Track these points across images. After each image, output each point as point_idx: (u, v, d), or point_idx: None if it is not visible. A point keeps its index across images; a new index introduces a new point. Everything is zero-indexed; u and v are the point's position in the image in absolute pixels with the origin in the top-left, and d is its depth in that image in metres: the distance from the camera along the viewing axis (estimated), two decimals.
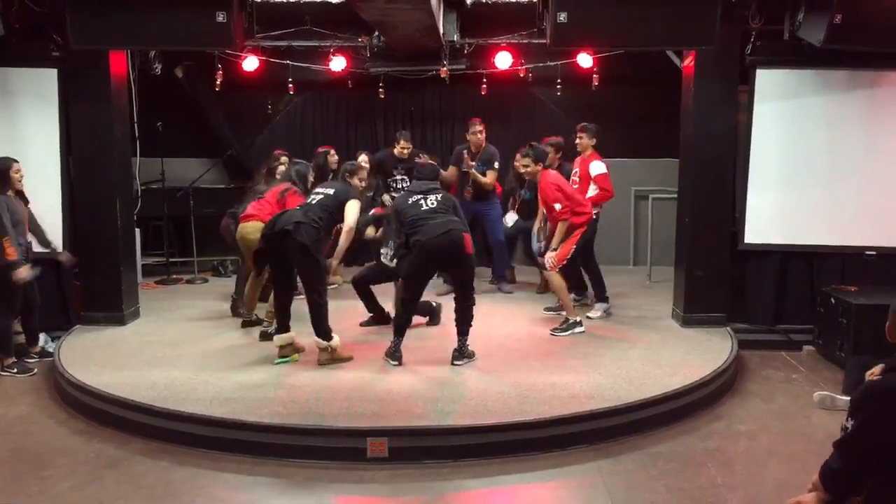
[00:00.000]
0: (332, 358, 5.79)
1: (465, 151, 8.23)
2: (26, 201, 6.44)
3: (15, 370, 6.22)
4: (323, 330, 5.73)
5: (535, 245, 7.96)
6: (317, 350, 5.79)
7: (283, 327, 5.85)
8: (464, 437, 4.73)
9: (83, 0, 5.73)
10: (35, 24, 6.62)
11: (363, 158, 8.15)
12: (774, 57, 6.79)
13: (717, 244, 6.94)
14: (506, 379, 5.50)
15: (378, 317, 6.92)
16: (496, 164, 8.26)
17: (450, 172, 8.32)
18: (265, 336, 6.29)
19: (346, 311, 6.96)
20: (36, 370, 6.28)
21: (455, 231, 5.70)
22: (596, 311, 7.26)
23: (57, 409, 5.58)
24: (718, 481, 4.44)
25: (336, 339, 5.79)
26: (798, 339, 7.02)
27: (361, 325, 6.93)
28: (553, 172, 6.83)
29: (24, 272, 6.12)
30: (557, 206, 6.53)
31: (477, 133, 8.23)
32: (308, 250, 5.56)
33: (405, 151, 8.44)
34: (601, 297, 7.34)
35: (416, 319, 6.45)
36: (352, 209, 5.91)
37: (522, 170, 6.91)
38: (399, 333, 5.86)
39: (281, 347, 5.83)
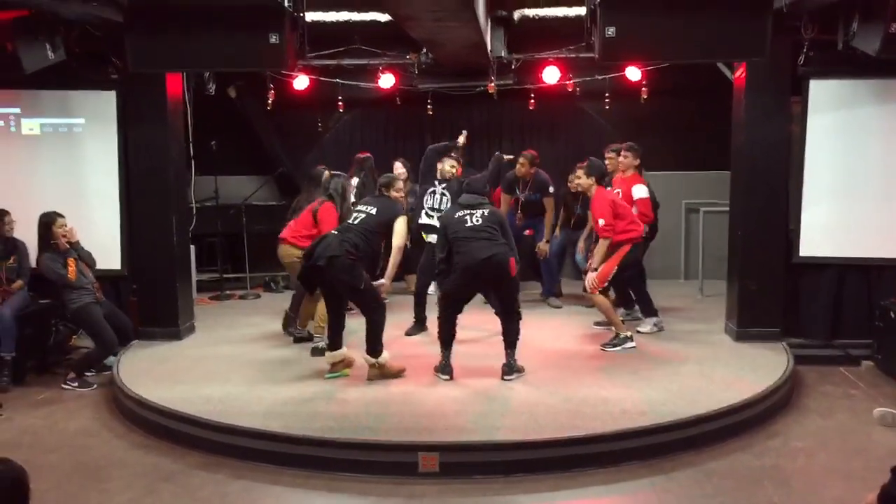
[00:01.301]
0: (381, 374, 5.82)
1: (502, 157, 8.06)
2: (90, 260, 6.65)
3: (76, 384, 6.38)
4: (374, 347, 5.77)
5: (577, 257, 7.96)
6: (366, 364, 5.83)
7: (335, 344, 5.91)
8: (515, 452, 4.73)
9: (141, 25, 5.88)
10: (95, 49, 6.83)
11: (398, 167, 8.20)
12: (828, 67, 6.67)
13: (771, 257, 6.83)
14: (556, 394, 5.48)
15: (421, 326, 7.11)
16: (551, 189, 8.20)
17: (504, 201, 8.30)
18: (316, 351, 6.36)
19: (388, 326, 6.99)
20: (96, 385, 6.43)
21: (498, 255, 5.68)
22: (645, 326, 7.19)
23: (116, 423, 5.71)
24: (775, 500, 4.36)
25: (385, 355, 5.82)
26: (856, 354, 6.86)
27: (407, 334, 7.10)
28: (610, 190, 6.85)
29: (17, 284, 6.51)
30: (601, 222, 6.53)
31: (518, 167, 8.17)
32: (347, 282, 5.62)
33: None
34: (648, 312, 7.28)
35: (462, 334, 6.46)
36: (400, 227, 5.93)
37: (575, 182, 6.93)
38: (446, 346, 5.88)
39: (333, 364, 5.89)
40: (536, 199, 8.20)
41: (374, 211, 5.95)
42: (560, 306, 8.28)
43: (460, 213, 5.91)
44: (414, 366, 6.12)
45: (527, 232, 8.20)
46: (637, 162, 7.32)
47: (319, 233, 6.24)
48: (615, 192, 7.04)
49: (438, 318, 5.94)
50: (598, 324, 7.28)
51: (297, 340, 6.84)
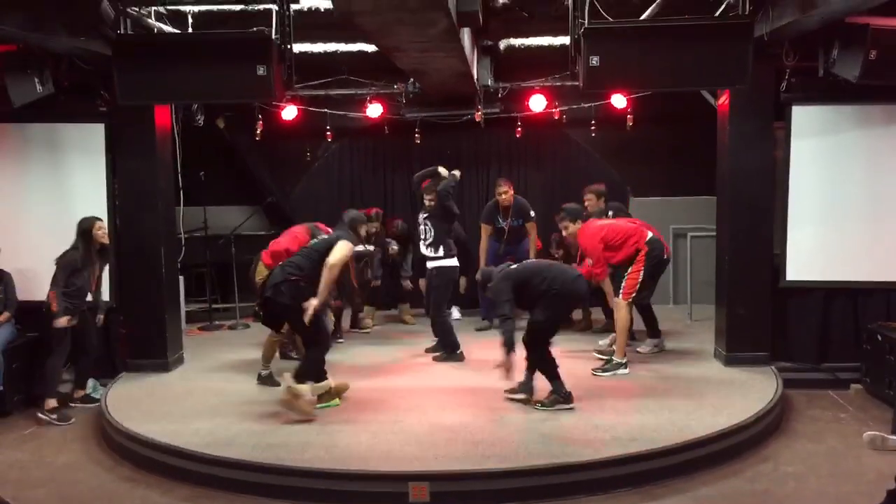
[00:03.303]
0: (291, 403, 5.60)
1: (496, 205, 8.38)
2: (107, 256, 6.67)
3: (55, 416, 6.32)
4: (302, 374, 5.66)
5: None
6: (358, 395, 5.80)
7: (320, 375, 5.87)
8: (505, 480, 4.71)
9: (129, 58, 5.91)
10: (83, 82, 6.86)
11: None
12: (810, 93, 6.77)
13: (758, 282, 6.87)
14: (547, 421, 5.47)
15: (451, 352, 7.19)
16: (532, 214, 8.34)
17: (484, 231, 8.43)
18: (261, 379, 6.50)
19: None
20: (74, 419, 6.37)
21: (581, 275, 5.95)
22: (646, 346, 7.24)
23: (104, 456, 5.66)
24: None
25: (305, 389, 5.60)
26: (845, 378, 6.89)
27: (427, 350, 7.37)
28: (592, 224, 6.96)
29: (63, 322, 6.30)
30: (589, 262, 6.71)
31: (502, 194, 8.28)
32: (288, 308, 5.61)
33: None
34: (654, 333, 7.36)
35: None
36: (339, 249, 5.75)
37: (565, 233, 7.09)
38: (557, 376, 5.80)
39: (319, 396, 5.82)
40: (520, 225, 8.34)
41: (325, 237, 6.04)
42: None
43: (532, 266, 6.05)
44: (403, 394, 6.11)
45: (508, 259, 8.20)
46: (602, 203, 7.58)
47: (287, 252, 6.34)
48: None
49: (537, 356, 5.83)
50: (599, 352, 7.19)
51: (262, 381, 6.62)
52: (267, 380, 6.49)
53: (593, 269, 6.76)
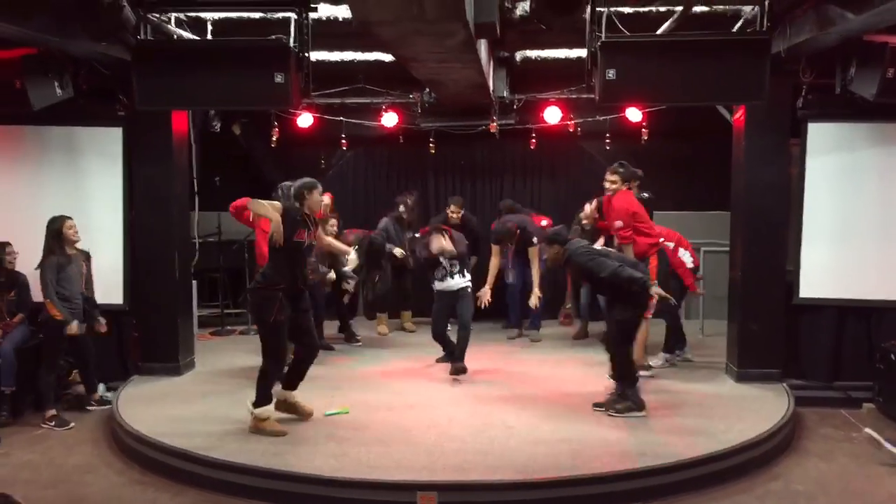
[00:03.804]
0: (255, 427, 5.52)
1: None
2: (87, 257, 6.64)
3: (53, 423, 6.31)
4: (257, 395, 5.56)
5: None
6: (367, 403, 5.81)
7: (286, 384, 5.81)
8: (514, 492, 4.71)
9: (148, 63, 5.97)
10: (102, 86, 6.92)
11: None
12: (826, 110, 6.75)
13: (771, 298, 6.84)
14: (556, 433, 5.46)
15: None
16: (535, 240, 8.03)
17: (494, 252, 8.14)
18: None
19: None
20: (73, 424, 6.36)
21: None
22: (657, 360, 7.24)
23: (114, 459, 5.68)
24: None
25: (264, 411, 5.53)
26: (857, 397, 6.83)
27: (438, 361, 7.33)
28: (632, 194, 7.00)
29: (75, 328, 6.33)
30: (618, 224, 6.70)
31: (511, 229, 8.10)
32: (253, 316, 5.55)
33: (455, 216, 8.58)
34: (668, 347, 7.38)
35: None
36: (261, 205, 5.51)
37: (607, 184, 6.98)
38: (635, 383, 5.88)
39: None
40: (522, 250, 8.21)
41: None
42: (539, 340, 8.51)
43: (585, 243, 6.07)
44: (413, 403, 6.12)
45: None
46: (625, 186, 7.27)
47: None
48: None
49: (627, 355, 5.92)
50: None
51: None
52: None
53: (620, 232, 6.73)
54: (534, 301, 7.75)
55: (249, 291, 5.61)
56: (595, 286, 6.11)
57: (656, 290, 5.67)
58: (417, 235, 8.25)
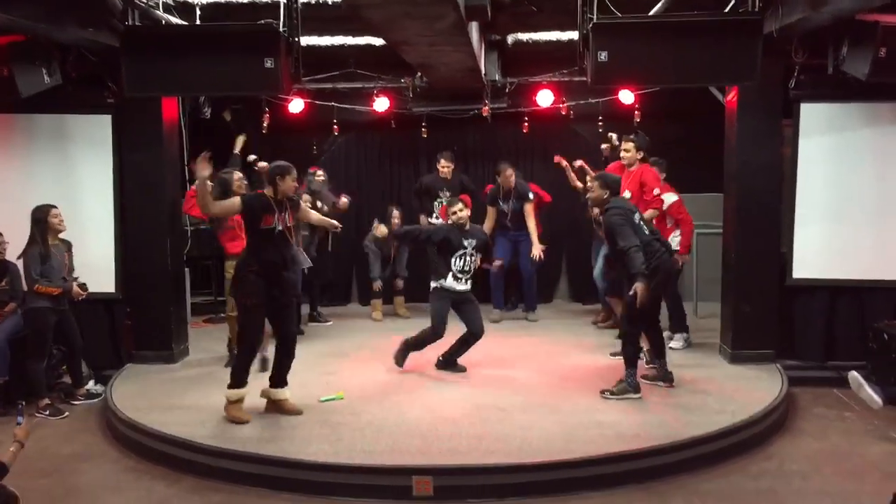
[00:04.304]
0: (226, 411, 5.51)
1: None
2: (69, 247, 6.58)
3: (47, 412, 6.30)
4: (231, 377, 5.53)
5: (596, 273, 7.90)
6: (362, 388, 5.81)
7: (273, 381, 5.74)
8: (509, 475, 4.72)
9: (137, 49, 5.92)
10: (91, 73, 6.86)
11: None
12: (818, 91, 6.74)
13: (764, 279, 6.85)
14: (551, 416, 5.47)
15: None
16: (531, 196, 8.41)
17: (489, 214, 8.50)
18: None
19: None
20: (67, 413, 6.37)
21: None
22: (677, 342, 7.25)
23: (109, 447, 5.68)
24: None
25: (235, 393, 5.48)
26: None
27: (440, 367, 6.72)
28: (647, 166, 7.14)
29: (78, 290, 6.38)
30: (656, 191, 6.91)
31: (508, 177, 8.35)
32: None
33: (446, 170, 8.76)
34: (681, 327, 7.39)
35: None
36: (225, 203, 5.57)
37: (623, 154, 7.10)
38: (635, 365, 5.91)
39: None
40: (519, 209, 8.35)
41: None
42: (537, 320, 8.60)
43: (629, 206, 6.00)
44: (407, 388, 6.12)
45: (496, 263, 8.11)
46: (663, 175, 7.43)
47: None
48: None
49: (633, 336, 5.93)
50: (614, 355, 6.86)
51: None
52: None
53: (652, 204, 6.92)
54: (536, 252, 7.93)
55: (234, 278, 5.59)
56: (611, 250, 6.02)
57: (638, 287, 5.52)
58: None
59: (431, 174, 9.03)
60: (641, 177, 7.06)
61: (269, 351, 6.01)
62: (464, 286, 6.46)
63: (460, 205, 6.52)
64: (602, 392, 5.86)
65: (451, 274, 6.39)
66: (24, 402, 6.05)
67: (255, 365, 5.73)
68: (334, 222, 6.16)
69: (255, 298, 5.39)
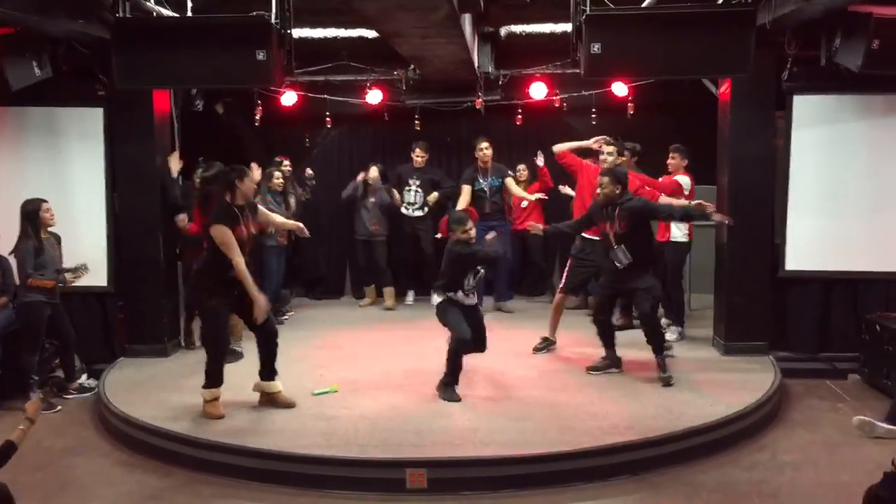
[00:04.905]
0: (203, 408, 5.49)
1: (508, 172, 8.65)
2: (58, 240, 6.55)
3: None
4: (206, 376, 5.50)
5: None
6: (355, 382, 5.80)
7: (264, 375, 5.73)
8: (503, 467, 4.73)
9: (128, 41, 5.86)
10: (82, 66, 6.81)
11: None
12: (811, 83, 6.75)
13: (757, 271, 6.87)
14: (545, 409, 5.48)
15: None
16: (510, 172, 8.59)
17: (465, 192, 8.47)
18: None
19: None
20: (60, 407, 6.36)
21: None
22: (671, 334, 7.24)
23: (101, 441, 5.67)
24: None
25: (210, 393, 5.47)
26: (843, 368, 6.90)
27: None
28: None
29: (77, 273, 6.42)
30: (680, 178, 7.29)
31: (484, 150, 8.41)
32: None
33: (419, 160, 8.92)
34: (678, 321, 7.42)
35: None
36: (217, 236, 5.30)
37: (607, 158, 6.99)
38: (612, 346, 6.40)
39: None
40: (499, 184, 8.45)
41: None
42: (512, 311, 8.68)
43: None
44: (400, 380, 6.12)
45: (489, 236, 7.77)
46: (685, 163, 7.49)
47: None
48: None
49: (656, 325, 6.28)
50: (592, 370, 6.51)
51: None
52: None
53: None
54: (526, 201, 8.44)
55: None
56: (630, 239, 5.99)
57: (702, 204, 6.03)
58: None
59: (407, 163, 9.12)
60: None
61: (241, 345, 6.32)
62: (471, 301, 6.13)
63: (470, 223, 6.04)
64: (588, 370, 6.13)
65: (460, 290, 5.99)
66: (36, 377, 6.10)
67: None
68: (300, 225, 6.06)
69: (213, 300, 5.36)
